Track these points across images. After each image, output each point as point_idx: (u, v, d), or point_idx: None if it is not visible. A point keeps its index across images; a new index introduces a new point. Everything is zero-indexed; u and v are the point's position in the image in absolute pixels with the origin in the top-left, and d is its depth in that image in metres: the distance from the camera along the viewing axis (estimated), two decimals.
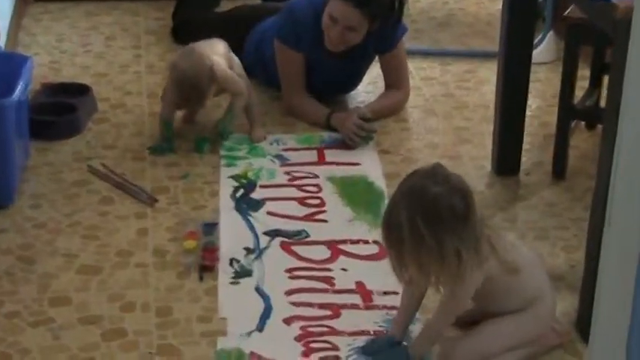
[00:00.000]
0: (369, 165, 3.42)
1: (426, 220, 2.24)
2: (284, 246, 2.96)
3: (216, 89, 3.46)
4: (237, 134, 3.57)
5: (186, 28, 4.25)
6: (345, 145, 3.52)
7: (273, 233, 3.01)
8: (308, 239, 3.00)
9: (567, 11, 3.27)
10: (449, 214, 2.24)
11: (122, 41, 4.38)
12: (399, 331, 2.50)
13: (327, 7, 3.55)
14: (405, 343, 2.48)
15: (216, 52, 3.48)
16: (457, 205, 2.25)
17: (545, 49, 4.20)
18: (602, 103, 3.50)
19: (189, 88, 3.38)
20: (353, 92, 3.91)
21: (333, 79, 3.75)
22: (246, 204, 3.16)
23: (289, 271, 2.84)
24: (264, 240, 2.98)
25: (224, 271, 2.82)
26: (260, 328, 2.60)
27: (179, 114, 3.58)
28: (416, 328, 2.53)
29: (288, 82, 3.71)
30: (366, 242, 2.98)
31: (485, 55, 4.24)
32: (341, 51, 3.62)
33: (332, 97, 3.81)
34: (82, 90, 3.77)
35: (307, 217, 3.11)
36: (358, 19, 3.52)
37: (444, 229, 2.24)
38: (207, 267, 2.83)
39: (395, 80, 3.78)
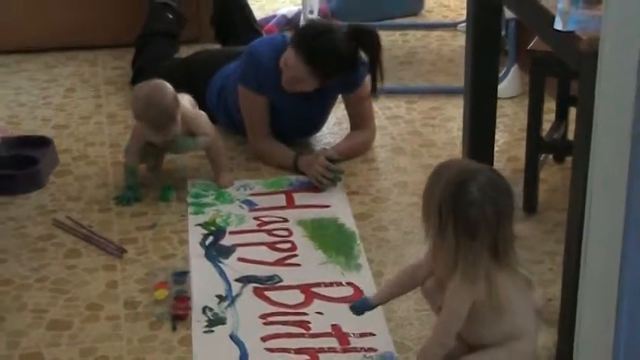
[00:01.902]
0: (338, 207, 3.45)
1: (452, 216, 2.32)
2: (257, 292, 2.98)
3: (182, 129, 3.46)
4: (203, 180, 3.60)
5: (146, 76, 4.27)
6: (314, 187, 3.55)
7: (245, 279, 3.03)
8: (281, 284, 3.02)
9: (531, 44, 3.34)
10: (472, 223, 2.32)
11: (82, 92, 4.40)
12: (377, 297, 2.65)
13: (286, 51, 3.60)
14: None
15: (182, 98, 3.52)
16: (483, 219, 2.31)
17: (509, 83, 4.27)
18: (570, 136, 3.57)
19: (154, 110, 3.35)
20: (319, 134, 3.95)
21: (297, 120, 3.78)
22: (216, 251, 3.18)
23: (264, 317, 2.86)
24: (236, 287, 3.00)
25: (197, 320, 2.83)
26: None
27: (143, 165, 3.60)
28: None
29: (253, 127, 3.74)
30: (340, 284, 3.01)
31: (450, 92, 4.30)
32: (302, 92, 3.66)
33: (298, 139, 3.85)
34: (43, 142, 3.78)
35: (279, 262, 3.13)
36: (305, 74, 3.56)
37: (461, 228, 2.32)
38: (179, 316, 2.84)
39: (360, 120, 3.83)
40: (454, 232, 2.34)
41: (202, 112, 3.62)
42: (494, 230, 2.35)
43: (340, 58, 3.55)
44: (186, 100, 3.57)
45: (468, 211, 2.33)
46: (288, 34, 3.80)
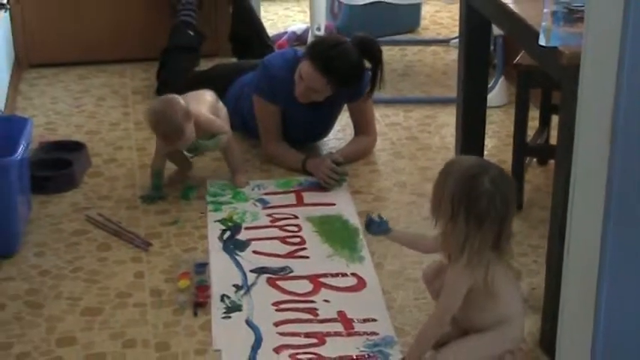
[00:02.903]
0: (343, 205, 3.44)
1: (464, 206, 2.32)
2: (270, 281, 2.97)
3: (201, 133, 3.45)
4: (221, 181, 3.59)
5: (169, 87, 4.27)
6: (321, 187, 3.55)
7: (259, 270, 3.03)
8: (292, 274, 3.01)
9: (518, 58, 3.33)
10: (483, 212, 2.31)
11: (112, 101, 4.40)
12: (394, 232, 2.70)
13: (300, 63, 3.59)
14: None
15: (202, 101, 3.51)
16: (493, 209, 2.30)
17: (497, 93, 4.26)
18: (552, 141, 3.57)
19: (164, 126, 3.34)
20: (325, 139, 3.94)
21: (307, 127, 3.78)
22: (233, 245, 3.18)
23: (276, 304, 2.85)
24: (251, 277, 2.99)
25: (216, 307, 2.83)
26: (252, 357, 2.61)
27: (171, 166, 3.59)
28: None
29: (266, 132, 3.74)
30: (345, 275, 3.00)
31: (443, 102, 4.30)
32: (312, 101, 3.66)
33: (307, 143, 3.85)
34: (77, 147, 3.78)
35: (290, 255, 3.13)
36: (321, 84, 3.55)
37: (472, 216, 2.31)
38: (200, 303, 2.83)
39: (363, 126, 3.82)
40: (465, 220, 2.32)
41: (224, 109, 3.63)
42: (501, 221, 2.34)
43: (353, 67, 3.55)
44: (207, 96, 3.56)
45: (479, 201, 2.31)
46: (299, 49, 3.80)
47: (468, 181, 2.33)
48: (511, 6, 2.75)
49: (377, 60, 3.60)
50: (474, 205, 2.32)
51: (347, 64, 3.53)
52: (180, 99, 3.39)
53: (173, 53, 4.40)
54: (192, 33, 4.49)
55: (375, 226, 2.69)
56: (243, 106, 3.83)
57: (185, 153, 3.58)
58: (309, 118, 3.73)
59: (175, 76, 4.29)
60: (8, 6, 3.35)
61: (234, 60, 4.56)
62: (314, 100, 3.63)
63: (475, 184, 2.32)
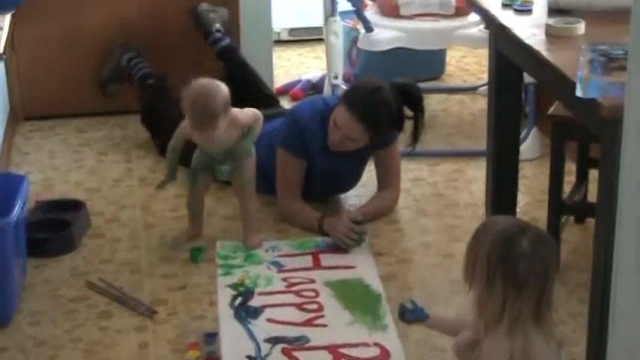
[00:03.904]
0: (364, 268, 3.44)
1: (501, 270, 2.31)
2: (286, 351, 2.96)
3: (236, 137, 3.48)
4: (231, 242, 3.60)
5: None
6: (340, 249, 3.55)
7: (273, 340, 3.02)
8: (309, 344, 3.00)
9: (551, 109, 3.34)
10: (522, 276, 2.30)
11: (113, 156, 4.43)
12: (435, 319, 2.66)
13: (335, 112, 3.63)
14: None
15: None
16: (532, 274, 2.29)
17: (530, 145, 4.27)
18: (590, 197, 3.56)
19: (200, 108, 3.33)
20: (344, 195, 3.95)
21: (334, 178, 3.82)
22: (245, 312, 3.18)
23: None
24: (265, 347, 2.98)
25: None
26: None
27: (178, 226, 3.60)
28: None
29: (286, 187, 3.74)
30: (367, 345, 2.99)
31: (471, 154, 4.31)
32: (345, 150, 3.69)
33: (329, 196, 3.88)
34: (76, 206, 3.80)
35: (307, 323, 3.12)
36: (359, 132, 3.60)
37: (510, 280, 2.30)
38: None
39: (388, 178, 3.84)
40: (502, 286, 2.31)
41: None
42: (541, 286, 2.33)
43: (393, 115, 3.61)
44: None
45: (517, 264, 2.31)
46: (328, 97, 3.83)
47: (505, 243, 2.33)
48: (544, 53, 2.77)
49: (419, 108, 3.67)
50: (511, 270, 2.31)
51: (387, 112, 3.59)
52: (225, 87, 3.40)
53: (154, 118, 4.43)
54: (152, 81, 4.56)
55: (410, 314, 2.67)
56: (258, 161, 3.83)
57: (217, 176, 3.57)
58: (338, 169, 3.77)
59: (169, 125, 4.25)
60: (4, 55, 3.40)
61: None
62: (349, 149, 3.66)
63: (513, 246, 2.32)
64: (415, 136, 3.71)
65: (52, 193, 4.03)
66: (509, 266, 2.32)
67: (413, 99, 3.67)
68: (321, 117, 3.68)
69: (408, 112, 3.70)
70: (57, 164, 4.36)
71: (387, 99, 3.59)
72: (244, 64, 4.59)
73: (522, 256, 2.32)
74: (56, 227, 3.62)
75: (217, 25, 4.68)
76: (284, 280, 3.37)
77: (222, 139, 3.44)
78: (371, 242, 3.60)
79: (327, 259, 3.51)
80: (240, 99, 4.50)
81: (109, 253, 3.58)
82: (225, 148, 3.48)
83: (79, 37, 4.79)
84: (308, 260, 3.50)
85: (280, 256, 3.52)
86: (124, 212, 3.89)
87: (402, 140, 3.83)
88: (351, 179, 3.91)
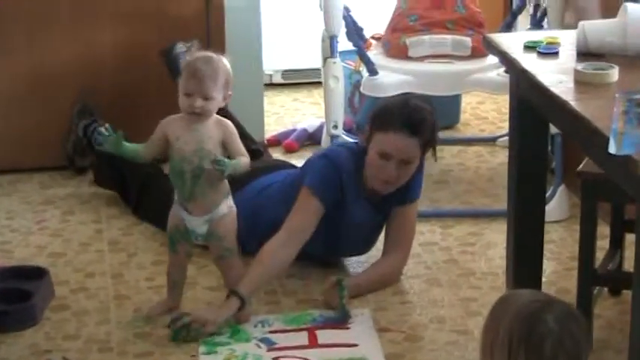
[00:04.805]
0: (367, 346, 3.44)
1: (524, 351, 2.27)
2: None
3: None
4: None
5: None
6: (339, 323, 3.55)
7: None
8: None
9: (581, 165, 3.35)
10: (549, 357, 2.27)
11: (81, 216, 4.44)
12: None
13: (373, 145, 3.69)
14: None
15: None
16: (561, 354, 2.28)
17: (557, 205, 4.28)
18: (627, 266, 3.57)
19: (204, 61, 3.46)
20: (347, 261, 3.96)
21: (360, 231, 3.86)
22: None
23: None
24: None
25: None
26: None
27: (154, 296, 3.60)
28: None
29: (290, 229, 3.67)
30: None
31: (490, 215, 4.33)
32: (375, 199, 3.77)
33: (343, 255, 3.97)
34: (38, 273, 3.79)
35: None
36: (415, 148, 3.68)
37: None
38: None
39: (398, 240, 3.87)
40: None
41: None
42: None
43: (432, 115, 3.72)
44: None
45: (543, 345, 2.30)
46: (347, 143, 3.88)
47: (527, 321, 2.32)
48: (572, 104, 2.78)
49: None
50: (536, 350, 2.30)
51: (428, 114, 3.70)
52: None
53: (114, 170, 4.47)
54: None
55: None
56: (259, 218, 3.84)
57: (192, 240, 3.57)
58: (366, 219, 3.82)
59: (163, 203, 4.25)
60: None
61: None
62: (404, 180, 3.73)
63: (536, 323, 2.31)
64: (434, 150, 3.80)
65: (11, 259, 4.03)
66: (533, 347, 2.31)
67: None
68: (356, 159, 3.76)
69: None
70: (16, 225, 4.37)
71: (419, 103, 3.72)
72: (227, 115, 4.61)
73: (548, 335, 2.31)
74: (15, 298, 3.62)
75: None
76: (275, 359, 3.36)
77: (203, 132, 3.46)
78: (375, 316, 3.60)
79: (324, 336, 3.50)
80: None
81: (75, 328, 3.57)
82: (200, 152, 3.46)
83: (44, 78, 4.82)
84: (303, 337, 3.50)
85: (271, 332, 3.52)
86: (93, 281, 3.89)
87: None
88: (374, 235, 3.94)
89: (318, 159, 3.83)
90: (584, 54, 3.15)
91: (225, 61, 3.52)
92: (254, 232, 3.82)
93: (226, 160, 3.46)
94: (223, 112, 4.57)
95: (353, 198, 3.77)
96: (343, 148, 3.87)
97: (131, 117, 4.61)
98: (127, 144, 3.54)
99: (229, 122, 3.56)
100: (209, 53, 3.54)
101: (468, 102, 5.67)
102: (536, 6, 4.64)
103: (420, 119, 3.67)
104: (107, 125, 3.53)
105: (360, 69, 4.99)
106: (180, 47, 4.63)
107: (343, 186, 3.75)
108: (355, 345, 3.45)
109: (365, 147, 3.75)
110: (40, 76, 4.81)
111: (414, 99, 3.77)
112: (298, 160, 4.77)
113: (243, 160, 3.52)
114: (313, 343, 3.47)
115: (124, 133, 3.54)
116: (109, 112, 4.68)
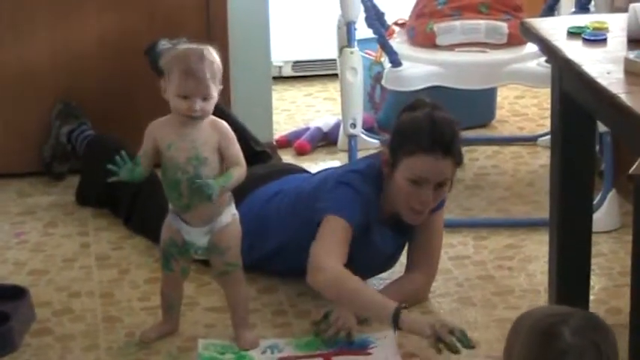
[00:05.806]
0: None
1: None
2: None
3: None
4: (219, 340, 3.62)
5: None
6: (360, 349, 3.56)
7: None
8: None
9: (634, 167, 3.36)
10: None
11: (65, 228, 4.47)
12: None
13: (401, 171, 3.66)
14: None
15: None
16: None
17: (606, 213, 4.29)
18: None
19: (197, 57, 3.43)
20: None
21: (378, 256, 3.87)
22: None
23: None
24: None
25: None
26: None
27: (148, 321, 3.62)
28: None
29: (329, 251, 3.65)
30: None
31: (530, 225, 4.35)
32: (395, 222, 3.79)
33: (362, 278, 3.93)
34: (16, 293, 3.81)
35: None
36: (451, 168, 3.68)
37: None
38: None
39: (425, 253, 3.88)
40: None
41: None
42: None
43: (458, 130, 3.71)
44: None
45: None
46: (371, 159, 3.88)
47: (540, 338, 2.33)
48: (622, 97, 2.78)
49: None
50: None
51: (455, 125, 3.69)
52: None
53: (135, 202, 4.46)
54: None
55: None
56: (265, 232, 3.87)
57: (191, 254, 3.59)
58: (389, 242, 3.85)
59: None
60: None
61: None
62: (436, 203, 3.74)
63: (552, 340, 2.32)
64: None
65: None
66: None
67: None
68: (377, 182, 3.76)
69: None
70: None
71: (445, 115, 3.70)
72: (225, 115, 4.62)
73: (567, 353, 2.32)
74: None
75: None
76: None
77: (197, 137, 3.46)
78: (400, 341, 3.60)
79: None
80: None
81: (59, 355, 3.59)
82: (195, 160, 3.47)
83: (23, 76, 4.85)
84: None
85: (281, 358, 3.54)
86: (79, 301, 3.91)
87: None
88: (397, 254, 3.97)
89: (333, 188, 3.78)
90: (636, 40, 3.16)
91: (214, 53, 3.51)
92: (259, 248, 3.88)
93: (210, 181, 3.40)
94: (221, 115, 4.61)
95: (375, 222, 3.77)
96: (354, 174, 3.82)
97: (120, 117, 4.65)
98: (140, 168, 3.51)
99: (225, 123, 3.54)
100: (197, 47, 3.50)
101: (504, 96, 5.68)
102: None
103: (451, 136, 3.66)
104: (123, 152, 3.49)
105: (382, 59, 4.99)
106: (164, 44, 4.63)
107: (368, 211, 3.74)
108: None
109: (379, 166, 3.76)
110: (19, 73, 4.84)
111: (436, 110, 3.71)
112: (310, 164, 4.81)
113: (237, 172, 3.48)
114: None
115: (138, 158, 3.50)
116: (94, 112, 4.72)
